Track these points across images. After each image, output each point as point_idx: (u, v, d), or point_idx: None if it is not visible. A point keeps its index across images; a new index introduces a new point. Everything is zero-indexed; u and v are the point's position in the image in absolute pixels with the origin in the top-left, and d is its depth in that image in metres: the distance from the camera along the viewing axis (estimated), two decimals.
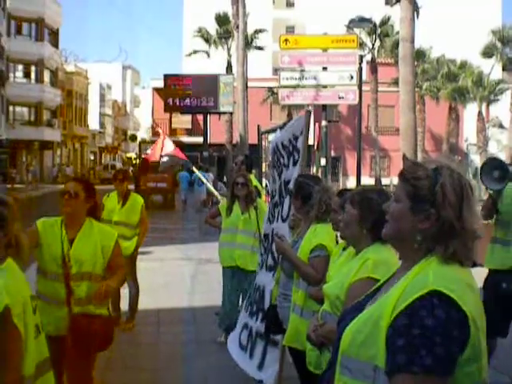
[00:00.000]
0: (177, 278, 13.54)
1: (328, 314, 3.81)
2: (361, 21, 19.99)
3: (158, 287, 12.33)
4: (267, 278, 5.90)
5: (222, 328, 8.51)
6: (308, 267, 4.80)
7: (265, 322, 5.47)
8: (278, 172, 6.38)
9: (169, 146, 11.69)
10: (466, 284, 2.23)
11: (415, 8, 16.44)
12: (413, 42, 16.24)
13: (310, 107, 44.44)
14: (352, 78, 18.97)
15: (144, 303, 10.63)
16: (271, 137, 16.42)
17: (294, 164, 5.84)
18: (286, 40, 19.26)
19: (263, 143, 17.41)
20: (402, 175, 2.42)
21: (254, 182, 9.92)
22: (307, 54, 19.72)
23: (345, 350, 2.35)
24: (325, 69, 19.75)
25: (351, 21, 20.12)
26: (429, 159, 2.44)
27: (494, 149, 52.66)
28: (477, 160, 50.23)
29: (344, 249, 4.50)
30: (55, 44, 64.57)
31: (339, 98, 19.10)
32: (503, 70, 48.56)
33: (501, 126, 55.22)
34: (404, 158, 16.28)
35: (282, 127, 17.35)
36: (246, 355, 5.93)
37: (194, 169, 12.68)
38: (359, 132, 20.28)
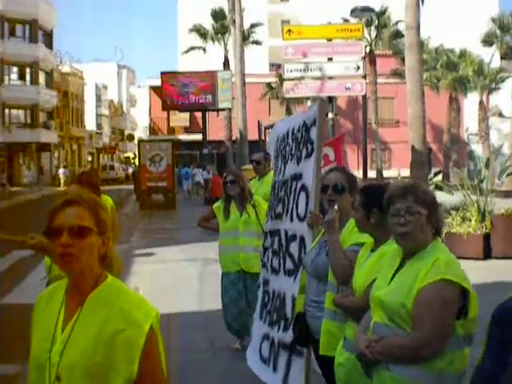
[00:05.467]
0: (183, 279, 13.07)
1: (384, 327, 3.35)
2: (363, 10, 19.51)
3: (164, 290, 11.85)
4: (287, 283, 5.41)
5: (232, 333, 8.03)
6: (344, 258, 4.35)
7: (293, 333, 4.98)
8: (283, 162, 5.91)
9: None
10: None
11: None
12: (418, 29, 15.75)
13: (309, 101, 43.68)
14: (358, 68, 18.47)
15: None
16: None
17: (308, 156, 5.36)
18: (289, 30, 18.67)
19: (267, 138, 16.88)
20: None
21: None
22: (311, 44, 19.19)
23: None
24: (330, 59, 19.23)
25: (353, 10, 19.60)
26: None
27: (494, 138, 52.21)
28: (478, 150, 49.81)
29: (372, 250, 4.08)
30: (49, 45, 64.09)
31: (345, 89, 18.58)
32: (502, 58, 48.05)
33: (500, 115, 54.77)
34: (413, 149, 15.83)
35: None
36: (270, 368, 5.45)
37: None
38: (365, 124, 19.85)
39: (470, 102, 48.53)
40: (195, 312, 10.10)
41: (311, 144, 5.29)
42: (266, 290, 5.87)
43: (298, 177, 5.43)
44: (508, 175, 15.82)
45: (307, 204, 5.19)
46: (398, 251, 3.51)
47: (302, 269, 5.04)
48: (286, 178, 5.70)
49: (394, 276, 3.42)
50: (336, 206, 4.58)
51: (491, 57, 44.17)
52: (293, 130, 5.74)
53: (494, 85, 43.66)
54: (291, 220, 5.45)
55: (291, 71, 18.94)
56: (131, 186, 43.22)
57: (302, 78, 18.88)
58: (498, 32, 41.97)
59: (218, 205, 8.09)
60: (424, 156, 15.98)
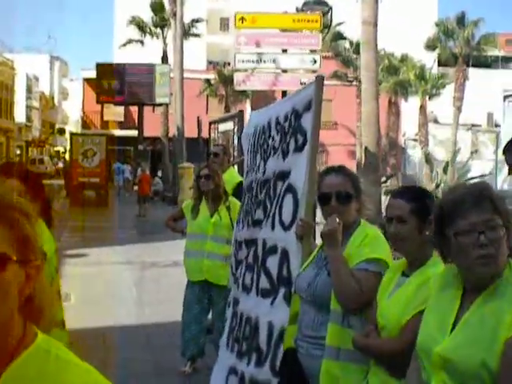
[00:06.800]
0: (119, 286, 11.99)
1: None
2: (316, 3, 18.58)
3: (98, 299, 10.66)
4: (261, 306, 4.33)
5: (186, 356, 6.94)
6: (351, 278, 3.38)
7: (278, 374, 3.92)
8: (263, 158, 4.85)
9: None
10: None
11: None
12: (376, 25, 14.95)
13: (248, 100, 42.71)
14: (315, 62, 17.52)
15: (82, 320, 9.01)
16: (222, 127, 14.85)
17: (298, 150, 4.30)
18: (242, 18, 17.55)
19: (212, 135, 15.70)
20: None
21: (237, 177, 8.28)
22: (265, 33, 18.15)
23: None
24: (284, 51, 18.20)
25: (306, 2, 18.68)
26: None
27: (430, 144, 52.31)
28: (415, 155, 49.85)
29: (405, 275, 3.09)
30: None
31: (301, 83, 17.49)
32: (442, 65, 48.01)
33: (436, 121, 54.95)
34: (366, 150, 14.99)
35: (233, 117, 15.88)
36: None
37: None
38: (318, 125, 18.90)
39: (408, 107, 48.35)
40: (135, 326, 8.92)
41: (303, 134, 4.23)
42: (235, 311, 4.79)
43: (284, 175, 4.36)
44: (467, 180, 15.19)
45: (295, 209, 4.13)
46: (456, 281, 2.48)
47: (287, 292, 4.01)
48: (268, 177, 4.63)
49: (456, 319, 2.40)
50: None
51: (433, 62, 44.01)
52: (277, 119, 4.67)
53: (435, 90, 43.44)
54: (272, 228, 4.37)
55: (243, 61, 17.79)
56: (61, 181, 41.48)
57: (255, 69, 17.79)
58: (443, 37, 41.66)
59: (187, 203, 7.12)
60: (378, 158, 15.17)
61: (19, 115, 79.52)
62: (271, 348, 4.13)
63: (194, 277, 6.86)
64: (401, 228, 3.08)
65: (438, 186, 14.28)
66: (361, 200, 3.71)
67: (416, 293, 2.89)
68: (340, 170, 3.82)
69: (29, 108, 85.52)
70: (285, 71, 18.17)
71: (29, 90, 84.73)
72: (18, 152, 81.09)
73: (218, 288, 6.68)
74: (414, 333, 2.59)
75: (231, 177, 7.90)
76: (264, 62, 17.73)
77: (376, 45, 15.08)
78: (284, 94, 16.85)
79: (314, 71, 17.82)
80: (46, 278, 3.28)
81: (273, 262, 4.29)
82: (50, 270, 3.48)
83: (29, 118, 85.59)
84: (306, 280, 3.68)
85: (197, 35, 42.78)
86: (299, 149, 4.26)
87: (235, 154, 13.01)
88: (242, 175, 6.99)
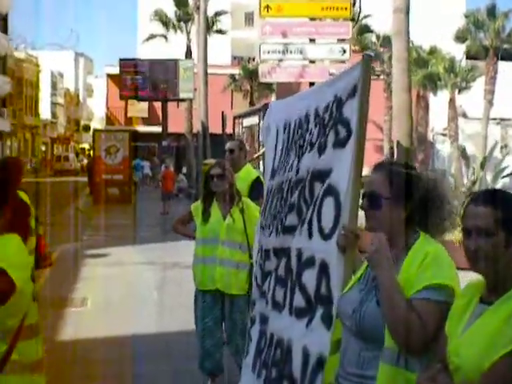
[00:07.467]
0: (139, 289, 11.44)
1: None
2: None
3: (117, 304, 10.06)
4: (295, 328, 3.65)
5: (203, 371, 6.32)
6: (409, 311, 2.68)
7: None
8: (298, 155, 4.18)
9: None
10: None
11: None
12: (408, 13, 14.26)
13: (274, 94, 42.15)
14: (344, 52, 16.83)
15: (97, 327, 8.46)
16: (246, 122, 14.23)
17: (340, 144, 3.61)
18: (268, 6, 16.92)
19: (236, 130, 14.98)
20: None
21: (254, 173, 7.57)
22: (292, 23, 17.47)
23: None
24: (312, 41, 17.53)
25: None
26: None
27: (459, 139, 51.45)
28: (444, 150, 48.86)
29: (484, 302, 2.45)
30: (4, 29, 61.43)
31: (329, 74, 16.77)
32: (471, 58, 46.88)
33: (465, 116, 54.07)
34: (398, 145, 14.29)
35: (259, 110, 15.32)
36: None
37: None
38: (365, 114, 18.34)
39: (436, 101, 47.38)
40: (154, 334, 8.32)
41: (345, 125, 3.56)
42: (263, 330, 4.14)
43: (322, 174, 3.67)
44: (504, 177, 14.45)
45: (338, 215, 3.46)
46: None
47: (325, 313, 3.36)
48: (301, 177, 3.95)
49: None
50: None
51: (463, 54, 42.96)
52: (316, 110, 3.97)
53: (465, 83, 42.37)
54: (309, 236, 3.68)
55: (268, 53, 17.13)
56: (86, 179, 41.20)
57: (281, 60, 17.10)
58: (472, 28, 40.59)
59: (196, 205, 6.44)
60: (411, 153, 14.47)
61: (44, 112, 79.77)
62: (307, 378, 3.49)
63: (205, 286, 6.21)
64: (484, 243, 2.40)
65: (474, 182, 13.48)
66: (414, 205, 2.99)
67: (503, 326, 2.24)
68: (382, 166, 3.09)
69: (54, 104, 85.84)
70: (312, 62, 17.45)
71: (53, 86, 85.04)
72: (44, 149, 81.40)
73: (229, 297, 6.09)
74: (502, 379, 1.96)
75: (247, 174, 7.26)
76: (290, 52, 17.02)
77: (408, 34, 14.37)
78: (311, 86, 16.11)
79: (343, 61, 17.12)
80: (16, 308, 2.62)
81: (310, 277, 3.61)
82: (21, 301, 2.88)
83: (54, 115, 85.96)
84: (351, 304, 2.97)
85: (221, 31, 42.25)
86: (341, 143, 3.57)
87: (260, 148, 12.43)
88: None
